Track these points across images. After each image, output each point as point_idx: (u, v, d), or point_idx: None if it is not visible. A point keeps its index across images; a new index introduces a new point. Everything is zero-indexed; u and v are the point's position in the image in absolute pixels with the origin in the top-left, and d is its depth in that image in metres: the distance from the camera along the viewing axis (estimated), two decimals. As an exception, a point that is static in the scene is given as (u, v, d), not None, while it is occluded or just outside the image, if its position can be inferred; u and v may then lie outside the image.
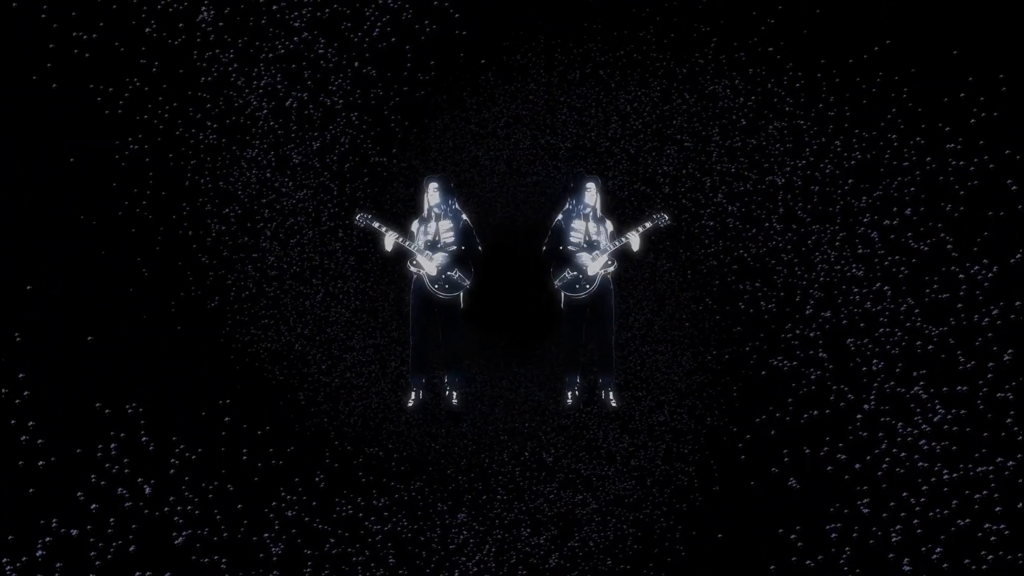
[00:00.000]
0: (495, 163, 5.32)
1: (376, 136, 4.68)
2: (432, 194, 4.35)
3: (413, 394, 4.63)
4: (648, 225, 4.28)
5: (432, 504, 3.92)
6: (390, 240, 4.28)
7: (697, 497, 3.93)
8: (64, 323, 3.45)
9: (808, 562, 3.39)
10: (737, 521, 3.70)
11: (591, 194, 4.35)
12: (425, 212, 4.38)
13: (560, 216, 4.41)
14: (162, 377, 3.66)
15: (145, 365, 3.65)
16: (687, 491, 3.98)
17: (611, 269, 4.42)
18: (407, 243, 4.30)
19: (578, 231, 4.35)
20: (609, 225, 4.40)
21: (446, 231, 4.36)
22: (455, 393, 4.71)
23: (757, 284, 4.44)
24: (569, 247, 4.37)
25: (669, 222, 4.30)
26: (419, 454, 4.29)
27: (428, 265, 4.36)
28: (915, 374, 3.67)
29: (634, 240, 4.30)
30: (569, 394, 4.75)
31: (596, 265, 4.36)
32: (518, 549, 3.76)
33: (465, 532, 3.81)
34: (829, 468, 3.64)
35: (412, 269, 4.41)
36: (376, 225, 4.27)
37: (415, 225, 4.40)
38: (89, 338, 3.44)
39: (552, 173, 5.33)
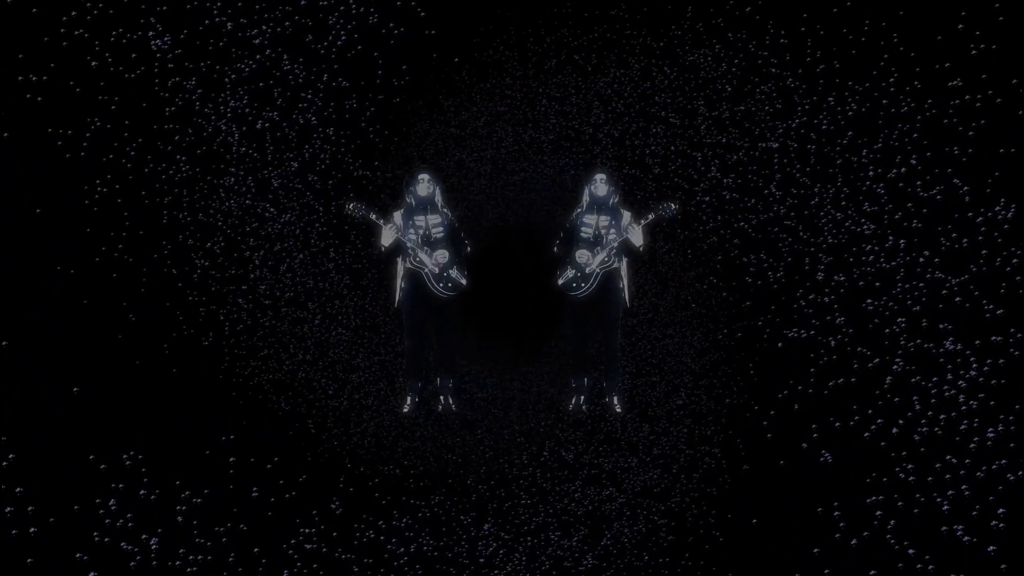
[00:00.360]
0: (480, 164, 5.08)
1: (356, 149, 4.41)
2: (422, 186, 4.01)
3: (409, 399, 4.35)
4: (651, 217, 3.97)
5: (455, 518, 3.65)
6: (389, 234, 3.98)
7: (727, 480, 3.65)
8: (49, 377, 3.17)
9: (852, 541, 3.05)
10: (772, 501, 3.41)
11: (600, 187, 4.01)
12: (414, 205, 4.04)
13: (576, 212, 4.11)
14: (160, 422, 3.39)
15: (140, 411, 3.37)
16: (715, 474, 3.70)
17: (615, 266, 4.09)
18: (409, 238, 4.01)
19: (589, 227, 4.03)
20: (626, 218, 4.04)
21: (435, 226, 4.04)
22: (451, 398, 4.45)
23: (762, 255, 4.14)
24: (579, 244, 4.06)
25: (677, 212, 3.98)
26: (437, 467, 4.02)
27: (430, 263, 4.05)
28: (941, 327, 3.33)
29: (635, 235, 3.98)
30: (574, 400, 4.47)
31: (594, 262, 4.05)
32: (549, 554, 3.49)
33: (494, 543, 3.52)
34: (866, 434, 3.28)
35: (409, 266, 4.11)
36: (373, 217, 3.96)
37: (398, 218, 4.05)
38: (75, 389, 3.12)
39: (538, 168, 5.10)
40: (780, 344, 3.93)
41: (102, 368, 3.34)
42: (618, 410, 4.32)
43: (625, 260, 4.13)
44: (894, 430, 3.28)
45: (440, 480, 3.86)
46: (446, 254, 4.05)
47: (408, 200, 4.04)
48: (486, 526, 3.55)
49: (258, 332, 4.14)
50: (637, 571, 3.34)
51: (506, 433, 4.37)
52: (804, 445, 3.48)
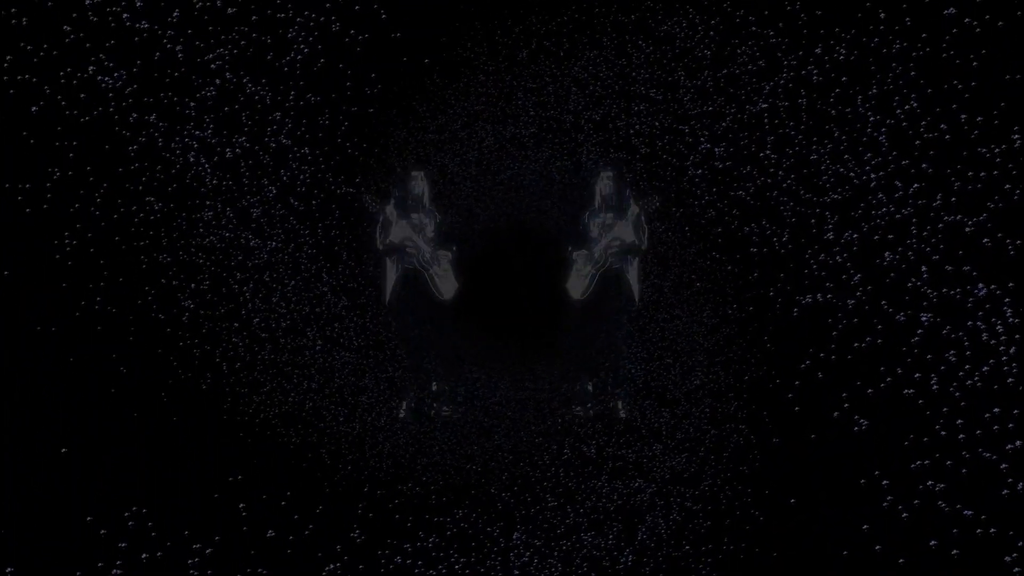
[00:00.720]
0: (464, 167, 4.84)
1: (336, 166, 4.13)
2: (418, 184, 3.96)
3: (404, 403, 4.18)
4: (637, 211, 3.90)
5: (483, 530, 3.34)
6: (400, 231, 3.88)
7: (757, 457, 3.37)
8: (41, 439, 2.92)
9: (902, 512, 2.71)
10: (810, 476, 3.12)
11: (604, 186, 3.95)
12: (410, 203, 3.96)
13: (588, 212, 4.03)
14: (162, 473, 3.12)
15: (141, 465, 3.11)
16: (744, 452, 3.42)
17: (615, 267, 3.97)
18: (421, 237, 3.91)
19: (596, 227, 3.97)
20: (634, 214, 3.95)
21: (427, 226, 3.97)
22: (447, 404, 4.26)
23: (764, 222, 3.87)
24: (588, 244, 3.99)
25: (660, 202, 3.94)
26: (458, 480, 3.73)
27: (434, 263, 3.96)
28: (965, 269, 3.00)
29: (625, 231, 3.87)
30: (577, 405, 4.26)
31: (590, 263, 3.96)
32: (584, 555, 3.20)
33: (526, 552, 3.22)
34: (907, 392, 2.96)
35: (407, 266, 3.99)
36: (387, 210, 3.91)
37: (391, 214, 3.95)
38: (64, 450, 2.82)
39: (523, 164, 4.85)
40: (795, 311, 3.63)
41: (97, 425, 3.08)
42: (622, 415, 4.13)
43: (635, 262, 4.01)
44: (933, 386, 2.96)
45: (463, 493, 3.58)
46: (447, 256, 3.98)
47: (399, 202, 3.95)
48: (516, 535, 3.26)
49: (258, 367, 3.87)
50: (678, 561, 3.03)
51: (524, 435, 4.10)
52: (836, 414, 3.16)
